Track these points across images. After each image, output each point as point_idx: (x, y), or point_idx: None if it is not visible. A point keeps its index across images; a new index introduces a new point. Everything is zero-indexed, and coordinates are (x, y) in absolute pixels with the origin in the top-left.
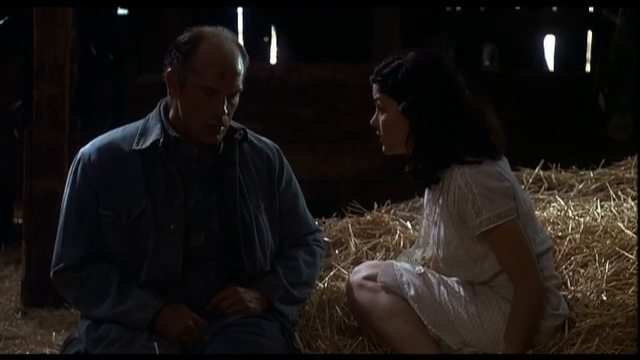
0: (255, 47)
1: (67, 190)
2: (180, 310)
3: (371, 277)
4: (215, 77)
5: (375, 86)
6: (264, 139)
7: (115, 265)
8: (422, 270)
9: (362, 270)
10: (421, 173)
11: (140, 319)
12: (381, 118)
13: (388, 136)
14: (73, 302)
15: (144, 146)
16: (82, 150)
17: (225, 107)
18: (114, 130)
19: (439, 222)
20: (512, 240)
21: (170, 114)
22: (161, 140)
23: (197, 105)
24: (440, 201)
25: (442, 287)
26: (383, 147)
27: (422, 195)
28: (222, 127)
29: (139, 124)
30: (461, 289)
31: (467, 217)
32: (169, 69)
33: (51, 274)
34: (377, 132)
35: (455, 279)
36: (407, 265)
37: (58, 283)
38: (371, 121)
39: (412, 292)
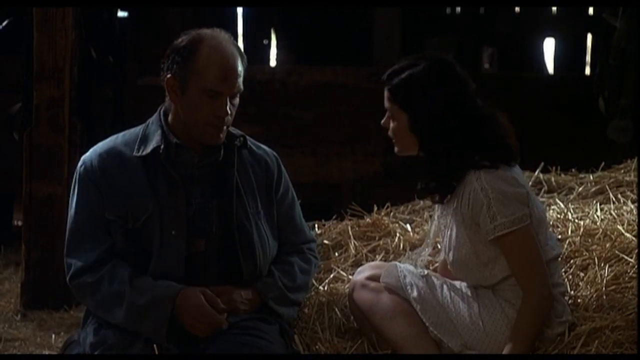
0: (255, 50)
1: (73, 197)
2: (191, 297)
3: (374, 278)
4: (218, 80)
5: (386, 93)
6: (263, 146)
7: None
8: (426, 272)
9: (365, 271)
10: (434, 189)
11: (159, 320)
12: (391, 124)
13: (399, 142)
14: (92, 309)
15: (144, 153)
16: (83, 157)
17: (227, 108)
18: (114, 136)
19: (451, 226)
20: (525, 247)
21: (170, 119)
22: (162, 147)
23: (200, 107)
24: (455, 204)
25: (445, 289)
26: (395, 148)
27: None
28: (224, 127)
29: (138, 129)
30: (464, 291)
31: (481, 222)
32: (169, 75)
33: (68, 281)
34: (389, 134)
35: (459, 281)
36: (411, 267)
37: (76, 291)
38: (382, 122)
39: (414, 293)
